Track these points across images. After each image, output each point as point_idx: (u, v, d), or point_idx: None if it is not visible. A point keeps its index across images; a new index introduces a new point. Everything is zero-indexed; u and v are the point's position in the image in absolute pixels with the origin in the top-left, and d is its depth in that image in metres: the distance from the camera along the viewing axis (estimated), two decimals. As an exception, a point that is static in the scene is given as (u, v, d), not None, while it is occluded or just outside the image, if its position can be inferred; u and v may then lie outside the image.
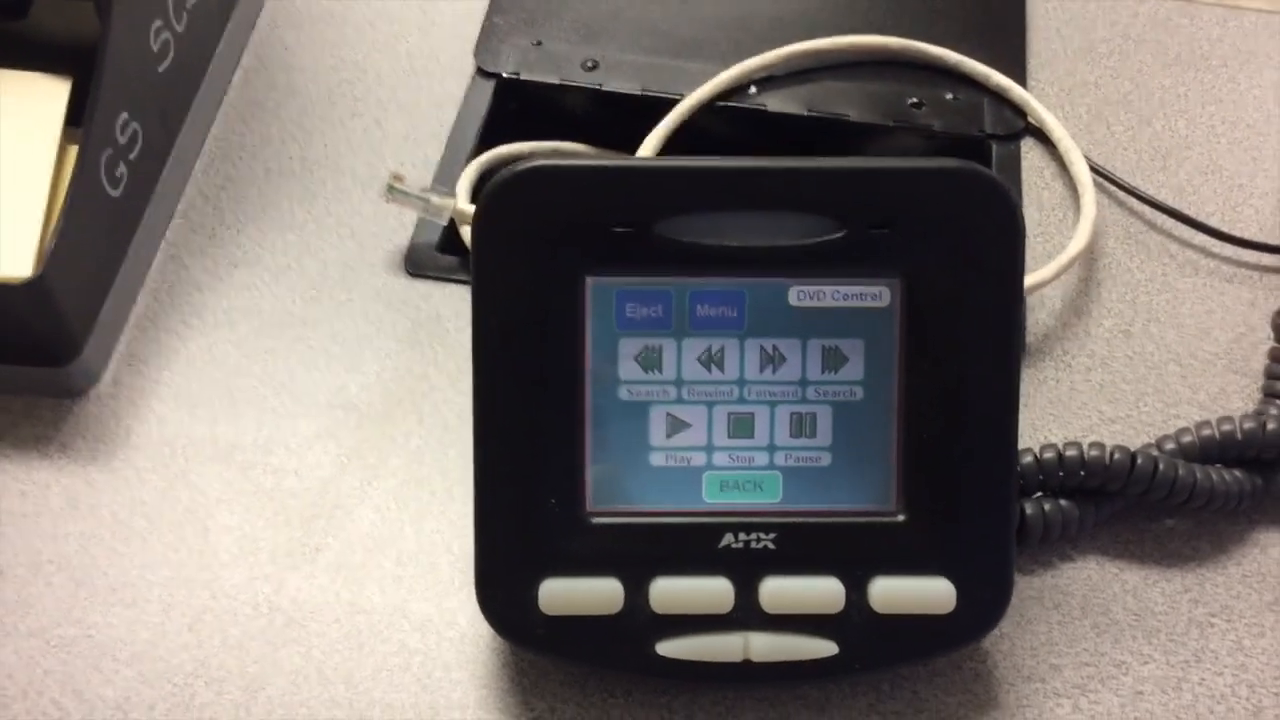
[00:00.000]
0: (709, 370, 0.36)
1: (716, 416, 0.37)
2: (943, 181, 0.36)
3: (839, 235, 0.36)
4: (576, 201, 0.35)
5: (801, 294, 0.36)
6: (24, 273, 0.41)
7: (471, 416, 0.36)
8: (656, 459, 0.37)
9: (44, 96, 0.45)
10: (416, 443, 0.43)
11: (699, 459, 0.37)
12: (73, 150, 0.44)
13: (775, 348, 0.36)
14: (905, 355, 0.36)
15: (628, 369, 0.36)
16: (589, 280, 0.36)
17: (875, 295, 0.36)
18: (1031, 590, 0.40)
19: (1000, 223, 0.35)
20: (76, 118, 0.45)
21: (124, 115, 0.45)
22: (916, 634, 0.36)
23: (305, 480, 0.42)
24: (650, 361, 0.36)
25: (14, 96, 0.45)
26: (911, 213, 0.36)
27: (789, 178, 0.36)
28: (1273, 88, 0.55)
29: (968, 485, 0.36)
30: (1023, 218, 0.36)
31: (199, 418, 0.43)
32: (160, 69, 0.48)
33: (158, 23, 0.47)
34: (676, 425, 0.37)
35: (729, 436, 0.37)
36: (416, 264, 0.48)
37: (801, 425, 0.37)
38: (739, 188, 0.36)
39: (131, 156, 0.46)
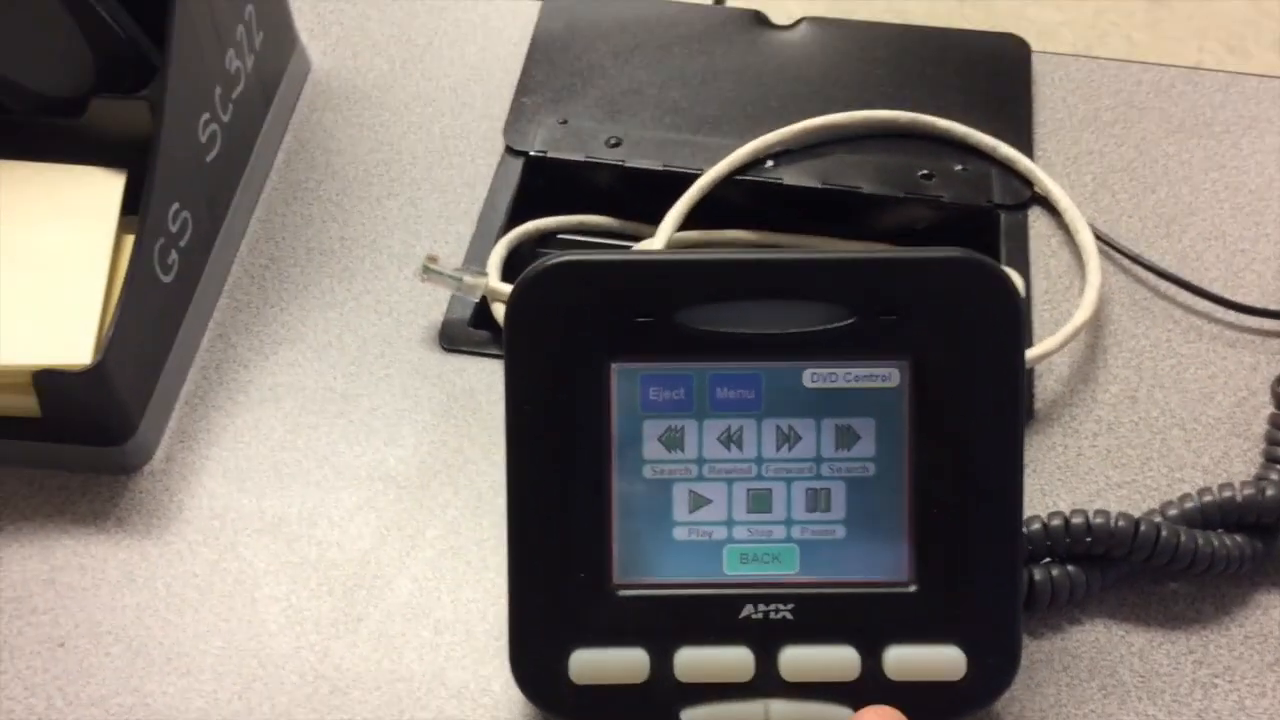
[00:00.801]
0: (728, 449, 0.39)
1: (736, 493, 0.39)
2: (946, 269, 0.38)
3: (850, 321, 0.38)
4: (602, 293, 0.38)
5: (815, 376, 0.38)
6: (84, 360, 0.44)
7: (505, 488, 0.38)
8: (679, 533, 0.39)
9: (100, 189, 0.48)
10: (453, 514, 0.46)
11: (720, 533, 0.39)
12: (128, 240, 0.47)
13: (791, 427, 0.39)
14: (914, 432, 0.38)
15: (652, 449, 0.39)
16: (614, 366, 0.38)
17: (885, 376, 0.38)
18: (1041, 654, 0.42)
19: (1000, 306, 0.38)
20: (131, 207, 0.47)
21: (175, 205, 0.48)
22: (929, 700, 0.38)
23: (347, 551, 0.44)
24: (673, 441, 0.39)
25: (73, 190, 0.48)
26: (917, 299, 0.38)
27: (802, 268, 0.38)
28: (1275, 153, 0.57)
29: (976, 556, 0.38)
30: (1021, 302, 0.38)
31: (247, 491, 0.46)
32: (208, 159, 0.51)
33: (205, 115, 0.50)
34: (698, 501, 0.39)
35: (748, 512, 0.39)
36: (451, 339, 0.51)
37: (817, 500, 0.39)
38: (754, 279, 0.38)
39: (182, 244, 0.49)
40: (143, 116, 0.47)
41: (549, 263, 0.38)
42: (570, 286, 0.38)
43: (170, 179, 0.47)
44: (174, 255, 0.48)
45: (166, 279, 0.48)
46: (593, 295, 0.38)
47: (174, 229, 0.48)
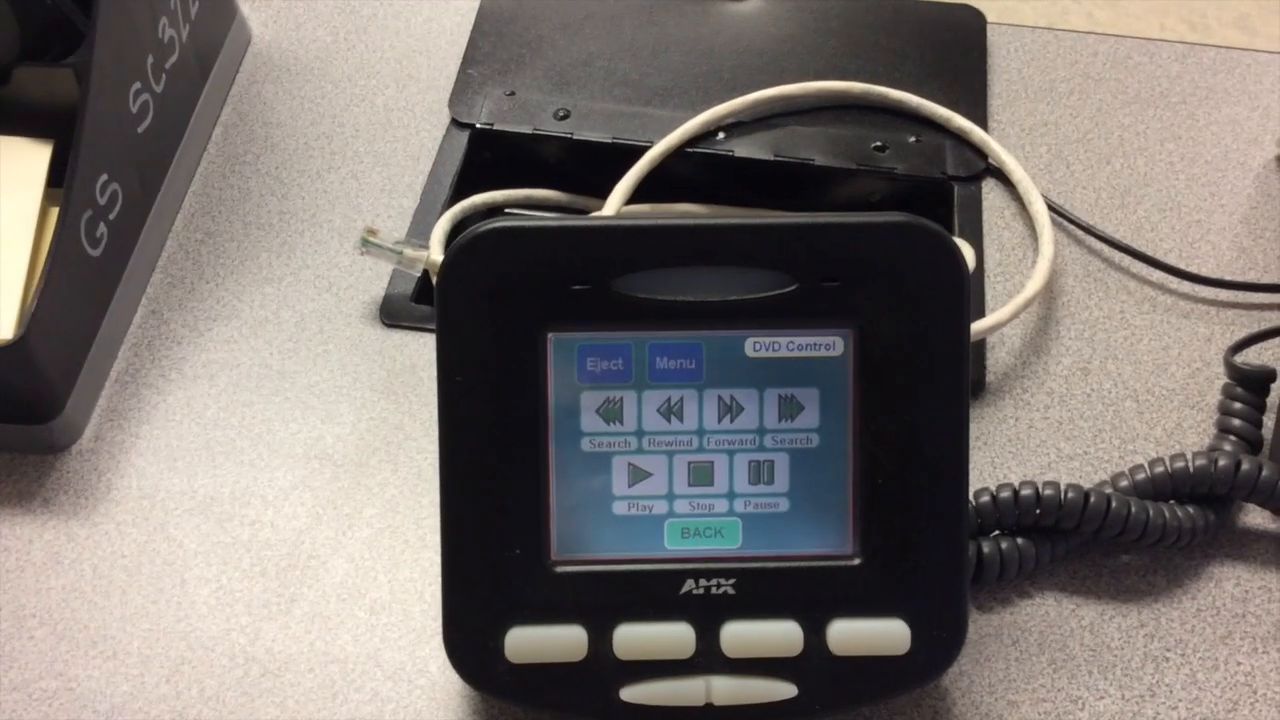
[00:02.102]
0: (669, 421, 0.38)
1: (677, 466, 0.38)
2: (888, 235, 0.37)
3: (792, 289, 0.37)
4: (537, 260, 0.37)
5: (757, 345, 0.37)
6: (6, 335, 0.42)
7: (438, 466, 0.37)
8: (619, 508, 0.38)
9: (25, 160, 0.47)
10: (391, 492, 0.44)
11: (660, 507, 0.38)
12: (54, 212, 0.45)
13: (733, 398, 0.38)
14: (859, 402, 0.37)
15: (589, 421, 0.37)
16: (550, 336, 0.37)
17: (828, 345, 0.37)
18: (990, 627, 0.41)
19: (945, 273, 0.37)
20: (58, 180, 0.46)
21: (104, 177, 0.47)
22: (874, 674, 0.37)
23: (281, 531, 0.43)
24: (611, 413, 0.38)
25: (-4, 161, 0.46)
26: (861, 265, 0.37)
27: (741, 234, 0.37)
28: (1232, 124, 0.57)
29: (921, 528, 0.37)
30: (967, 268, 0.37)
31: (178, 471, 0.45)
32: (140, 130, 0.49)
33: (136, 85, 0.49)
34: (638, 475, 0.38)
35: (689, 485, 0.38)
36: (392, 314, 0.50)
37: (759, 473, 0.38)
38: (693, 245, 0.37)
39: (111, 216, 0.47)
40: (69, 85, 0.46)
41: (481, 229, 0.36)
42: (504, 254, 0.37)
43: (98, 149, 0.46)
44: (103, 228, 0.47)
45: (95, 252, 0.46)
46: (527, 263, 0.37)
47: (103, 201, 0.47)
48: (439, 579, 0.38)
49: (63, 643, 0.41)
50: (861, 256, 0.37)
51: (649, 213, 0.54)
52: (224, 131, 0.55)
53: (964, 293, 0.37)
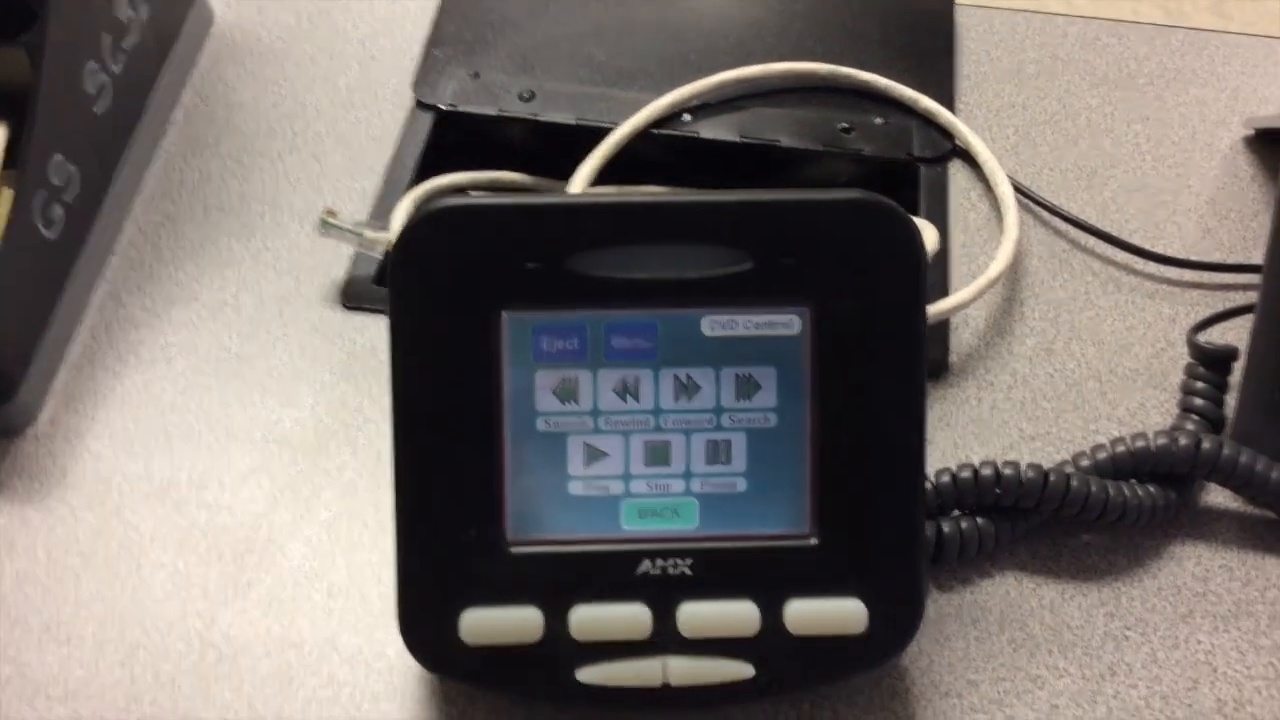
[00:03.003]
0: (625, 400, 0.37)
1: (633, 445, 0.37)
2: (845, 212, 0.36)
3: (748, 266, 0.37)
4: (490, 239, 0.36)
5: (714, 324, 0.37)
6: (-44, 317, 0.42)
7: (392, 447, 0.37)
8: (575, 488, 0.37)
9: (-22, 141, 0.46)
10: (349, 475, 0.44)
11: (617, 487, 0.37)
12: (7, 194, 0.45)
13: (689, 377, 0.37)
14: (816, 381, 0.37)
15: (545, 401, 0.37)
16: (505, 315, 0.37)
17: (785, 323, 0.37)
18: (950, 607, 0.41)
19: (901, 250, 0.36)
20: (12, 161, 0.45)
21: (58, 158, 0.46)
22: (831, 654, 0.37)
23: (238, 516, 0.43)
24: (567, 393, 0.37)
25: (-52, 142, 0.46)
26: (816, 242, 0.36)
27: (696, 211, 0.37)
28: (1199, 105, 0.57)
29: (878, 508, 0.37)
30: (923, 245, 0.36)
31: (134, 455, 0.44)
32: (96, 111, 0.49)
33: (92, 65, 0.48)
34: (594, 455, 0.37)
35: (646, 465, 0.37)
36: (352, 297, 0.49)
37: (716, 452, 0.37)
38: (648, 222, 0.36)
39: (67, 198, 0.47)
40: (22, 65, 0.45)
41: (433, 208, 0.36)
42: (457, 233, 0.36)
43: (53, 130, 0.45)
44: (58, 210, 0.46)
45: (50, 234, 0.46)
46: (480, 241, 0.36)
47: (58, 183, 0.46)
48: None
49: (16, 628, 0.40)
50: (818, 234, 0.36)
51: (615, 194, 0.53)
52: (184, 113, 0.55)
53: (920, 271, 0.36)
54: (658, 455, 0.37)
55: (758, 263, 0.36)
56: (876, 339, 0.37)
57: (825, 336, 0.37)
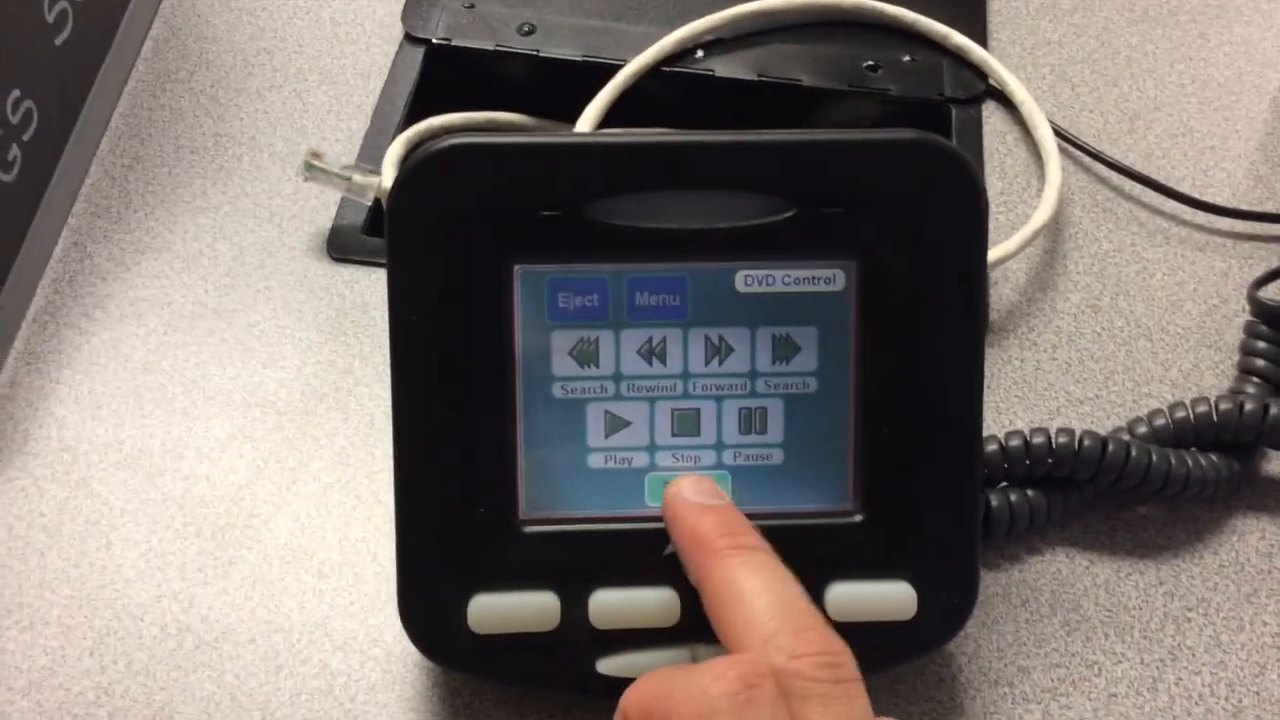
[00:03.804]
0: (650, 363, 0.34)
1: (659, 413, 0.34)
2: (900, 154, 0.33)
3: (789, 215, 0.33)
4: (500, 183, 0.32)
5: (749, 279, 0.33)
6: (-100, 268, 0.38)
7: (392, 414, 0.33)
8: (594, 461, 0.34)
9: (-77, 73, 0.42)
10: (340, 443, 0.40)
11: (641, 460, 0.34)
12: (-44, 132, 0.40)
13: (721, 338, 0.34)
14: (861, 343, 0.33)
15: (562, 364, 0.33)
16: (517, 268, 0.33)
17: (829, 279, 0.33)
18: (998, 587, 0.38)
19: (962, 198, 0.33)
20: (-39, 96, 0.41)
21: (15, 93, 0.42)
22: (876, 642, 0.33)
23: (218, 487, 0.39)
24: (586, 355, 0.34)
25: (-110, 73, 0.41)
26: (867, 189, 0.33)
27: (734, 153, 0.33)
28: (1243, 44, 0.53)
29: (929, 482, 0.34)
30: (985, 193, 0.33)
31: (102, 420, 0.40)
32: (57, 42, 0.44)
33: (50, -10, 0.44)
34: (616, 424, 0.34)
35: (673, 435, 0.34)
36: (340, 247, 0.45)
37: (751, 421, 0.34)
38: (678, 165, 0.33)
39: (25, 137, 0.42)
40: (-28, -11, 0.41)
41: (436, 147, 0.32)
42: (462, 175, 0.32)
43: (8, 63, 0.41)
44: (15, 151, 0.42)
45: (7, 178, 0.41)
46: (489, 185, 0.32)
47: (15, 120, 0.42)
48: (393, 538, 0.34)
49: (-27, 612, 0.36)
50: (867, 179, 0.33)
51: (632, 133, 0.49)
52: (154, 46, 0.50)
53: (983, 220, 0.33)
54: (686, 424, 0.34)
55: (800, 211, 0.33)
56: (931, 296, 0.33)
57: (873, 293, 0.33)
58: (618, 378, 0.34)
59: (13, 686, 0.35)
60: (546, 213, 0.32)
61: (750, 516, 0.33)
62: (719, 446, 0.34)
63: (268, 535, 0.38)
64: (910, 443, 0.33)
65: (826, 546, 0.34)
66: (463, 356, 0.33)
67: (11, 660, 0.36)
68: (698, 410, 0.34)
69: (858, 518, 0.34)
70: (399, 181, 0.32)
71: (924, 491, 0.34)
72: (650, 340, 0.34)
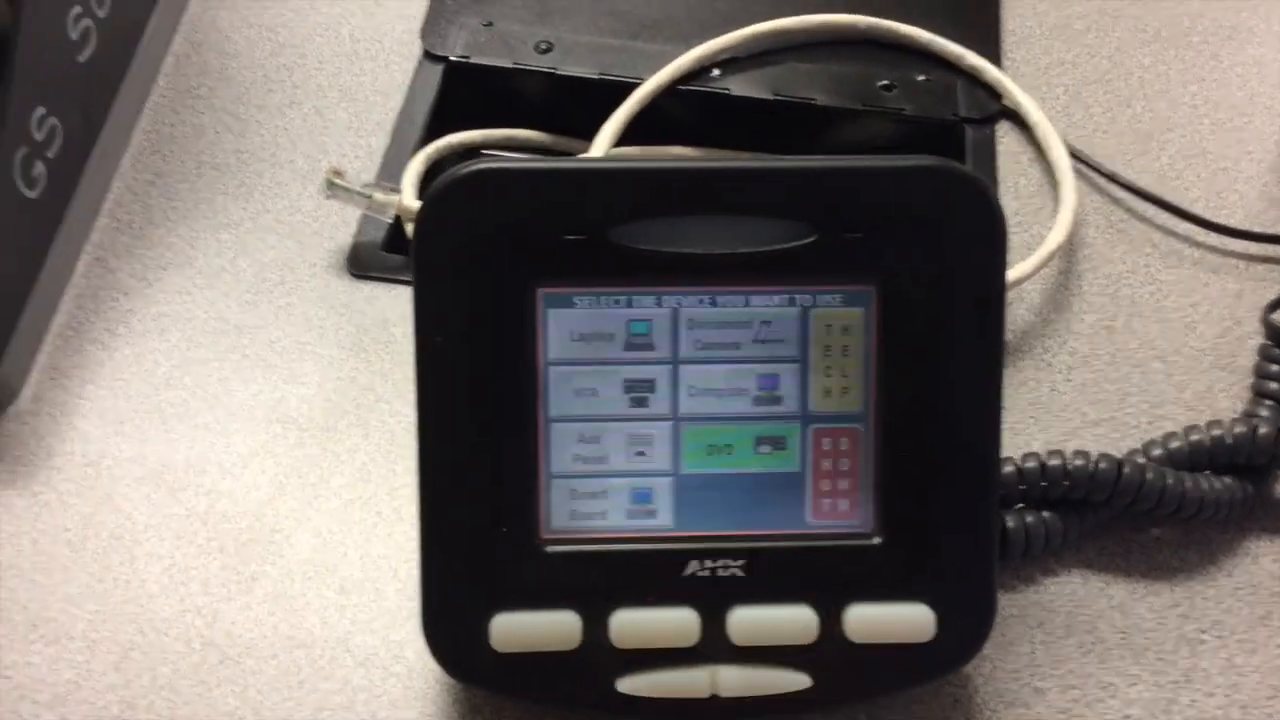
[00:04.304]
0: (673, 385, 0.34)
1: (681, 435, 0.34)
2: (921, 181, 0.33)
3: (810, 240, 0.33)
4: (526, 207, 0.33)
5: (771, 302, 0.34)
6: (-71, 285, 0.38)
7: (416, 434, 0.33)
8: (617, 482, 0.34)
9: (-49, 90, 0.42)
10: (361, 459, 0.41)
11: (662, 482, 0.34)
12: (-17, 149, 0.41)
13: (744, 360, 0.34)
14: (881, 366, 0.34)
15: (585, 385, 0.34)
16: (541, 291, 0.33)
17: (849, 302, 0.34)
18: (1014, 608, 0.38)
19: (981, 224, 0.33)
20: (-11, 113, 0.41)
21: (40, 111, 0.42)
22: (894, 663, 0.34)
23: (240, 503, 0.39)
24: (609, 377, 0.34)
25: (-82, 90, 0.42)
26: (887, 215, 0.33)
27: (757, 179, 0.33)
28: (1256, 65, 0.53)
29: (948, 505, 0.34)
30: (1004, 219, 0.33)
31: (126, 435, 0.41)
32: (80, 59, 0.45)
33: (76, 9, 0.44)
34: (638, 445, 0.34)
35: (694, 457, 0.34)
36: (360, 264, 0.46)
37: (773, 443, 0.34)
38: (702, 191, 0.33)
39: (50, 154, 0.43)
40: (1, 9, 0.41)
41: (463, 171, 0.33)
42: (488, 199, 0.33)
43: (33, 81, 0.41)
44: (40, 167, 0.42)
45: (31, 194, 0.42)
46: (515, 209, 0.33)
47: (39, 137, 0.42)
48: (415, 555, 0.34)
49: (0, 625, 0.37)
50: (888, 205, 0.33)
51: (641, 156, 0.50)
52: (175, 62, 0.51)
53: (1002, 247, 0.33)
54: (708, 446, 0.34)
55: (822, 237, 0.33)
56: (950, 320, 0.33)
57: (892, 317, 0.34)
58: (640, 399, 0.34)
59: (38, 700, 0.35)
60: (571, 237, 0.33)
61: (772, 538, 0.34)
62: (741, 467, 0.34)
63: (290, 551, 0.38)
64: (929, 466, 0.34)
65: (847, 568, 0.34)
66: (487, 378, 0.33)
67: (37, 674, 0.36)
68: (717, 431, 0.34)
69: (877, 540, 0.34)
70: (426, 205, 0.33)
71: (942, 515, 0.34)
72: (674, 362, 0.34)
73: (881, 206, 0.33)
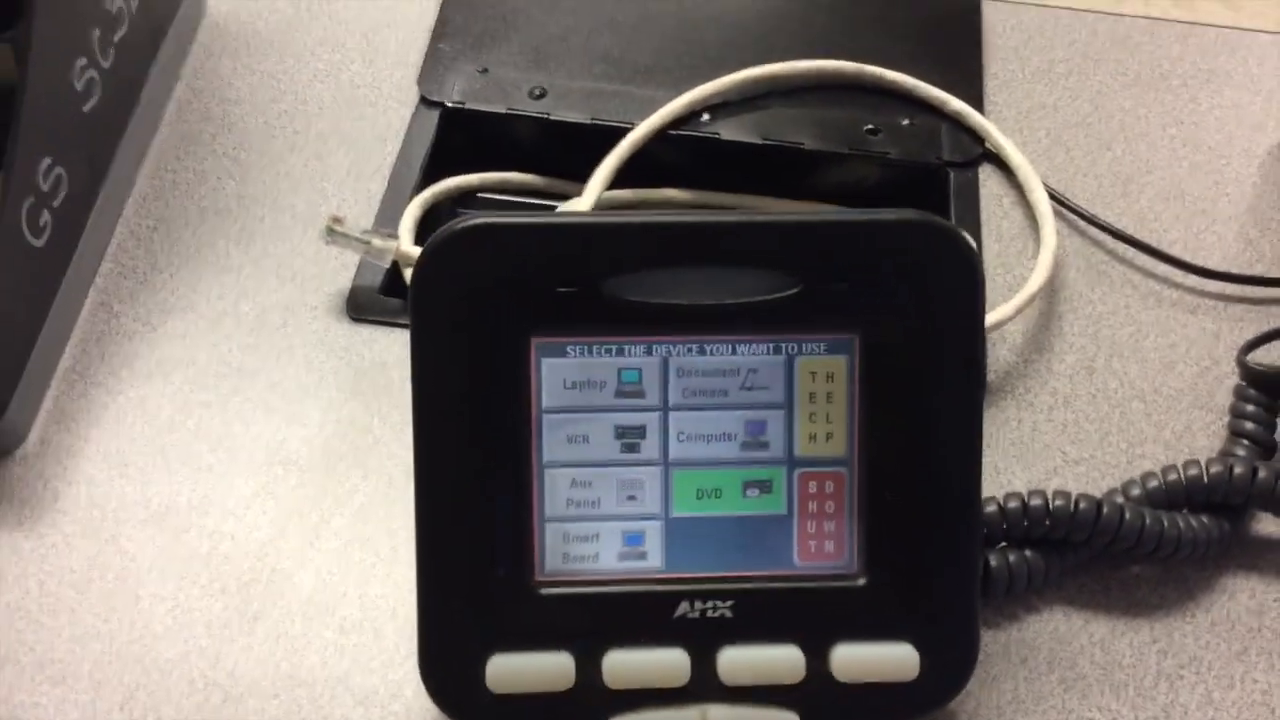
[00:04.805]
0: (664, 433, 0.35)
1: (671, 481, 0.35)
2: (903, 233, 0.34)
3: (795, 291, 0.34)
4: (519, 260, 0.34)
5: (756, 350, 0.35)
6: (-61, 334, 0.39)
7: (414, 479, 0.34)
8: (609, 526, 0.35)
9: (-40, 142, 0.43)
10: (360, 500, 0.42)
11: (653, 526, 0.35)
12: (-8, 199, 0.42)
13: (732, 407, 0.35)
14: (864, 412, 0.35)
15: (578, 433, 0.35)
16: (535, 341, 0.34)
17: (832, 351, 0.35)
18: (997, 645, 0.39)
19: (960, 275, 0.34)
20: (-4, 163, 0.42)
21: (47, 161, 0.43)
22: (880, 701, 0.35)
23: (242, 544, 0.40)
24: (602, 426, 0.35)
25: (-72, 142, 0.43)
26: (870, 266, 0.34)
27: (742, 232, 0.34)
28: (1234, 107, 0.55)
29: (931, 546, 0.35)
30: (983, 270, 0.34)
31: (130, 478, 0.42)
32: (85, 109, 0.46)
33: (81, 61, 0.45)
34: (629, 490, 0.35)
35: (684, 501, 0.35)
36: (359, 307, 0.47)
37: (760, 488, 0.35)
38: (689, 244, 0.34)
39: (55, 203, 0.44)
40: (7, 62, 0.42)
41: (459, 226, 0.34)
42: (483, 252, 0.34)
43: (40, 131, 0.43)
44: (46, 216, 0.43)
45: (38, 242, 0.43)
46: (509, 263, 0.34)
47: (45, 187, 0.43)
48: (412, 594, 0.35)
49: (6, 666, 0.38)
50: (870, 257, 0.34)
51: (633, 200, 0.51)
52: (178, 110, 0.52)
53: (979, 296, 0.34)
54: (697, 492, 0.35)
55: (806, 287, 0.34)
56: (930, 367, 0.34)
57: (874, 365, 0.35)
58: (631, 445, 0.35)
59: (44, 740, 0.36)
60: (564, 289, 0.34)
61: (760, 579, 0.35)
62: (729, 511, 0.35)
63: (290, 591, 0.39)
64: (912, 508, 0.35)
65: (831, 609, 0.35)
66: (482, 424, 0.34)
67: (44, 714, 0.37)
68: (706, 476, 0.35)
69: (862, 581, 0.35)
70: (423, 259, 0.34)
71: (926, 556, 0.35)
72: (663, 409, 0.35)
73: (864, 258, 0.34)
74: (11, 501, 0.41)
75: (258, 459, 0.42)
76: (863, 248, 0.34)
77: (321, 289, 0.47)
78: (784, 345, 0.35)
